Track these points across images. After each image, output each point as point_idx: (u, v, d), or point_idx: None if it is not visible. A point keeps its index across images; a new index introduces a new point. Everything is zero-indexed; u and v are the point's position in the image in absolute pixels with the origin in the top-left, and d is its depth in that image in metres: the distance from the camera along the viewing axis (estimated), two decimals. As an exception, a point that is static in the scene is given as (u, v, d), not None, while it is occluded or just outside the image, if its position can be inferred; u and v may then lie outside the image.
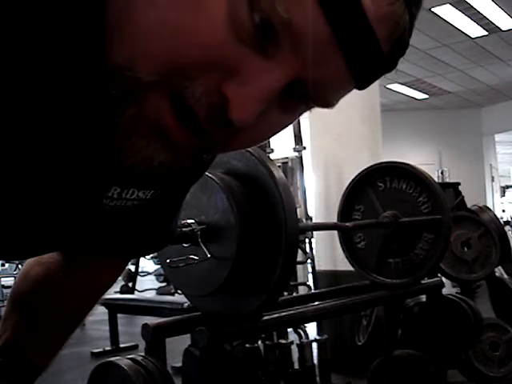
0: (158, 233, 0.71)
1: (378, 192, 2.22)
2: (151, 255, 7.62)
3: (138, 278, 6.89)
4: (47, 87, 0.40)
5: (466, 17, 6.54)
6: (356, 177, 2.28)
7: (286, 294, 2.75)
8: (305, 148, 3.59)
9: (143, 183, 0.54)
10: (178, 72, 0.37)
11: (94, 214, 0.54)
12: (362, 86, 0.43)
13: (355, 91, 0.46)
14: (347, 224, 2.16)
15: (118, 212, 0.55)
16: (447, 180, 6.13)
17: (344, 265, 2.60)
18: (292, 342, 2.87)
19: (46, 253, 0.68)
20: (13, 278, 8.39)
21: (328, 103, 0.43)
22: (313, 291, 3.21)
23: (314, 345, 2.98)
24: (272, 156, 3.15)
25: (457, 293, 2.88)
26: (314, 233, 3.51)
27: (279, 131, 0.45)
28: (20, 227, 0.51)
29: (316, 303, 1.98)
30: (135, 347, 4.34)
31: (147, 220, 0.63)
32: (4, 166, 0.44)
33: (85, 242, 0.63)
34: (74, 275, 0.74)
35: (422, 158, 9.57)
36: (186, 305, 3.34)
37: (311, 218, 3.74)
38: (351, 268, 2.30)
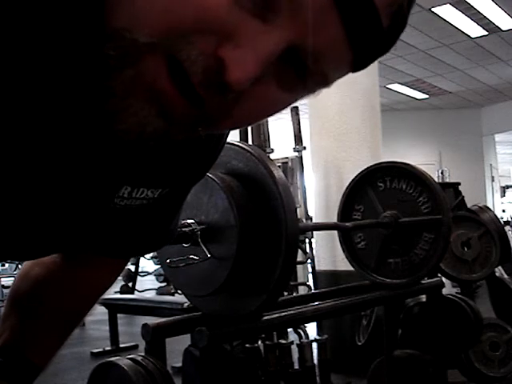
0: (160, 231, 0.71)
1: (378, 192, 2.22)
2: (151, 255, 7.61)
3: (138, 278, 6.89)
4: (45, 50, 0.39)
5: (466, 17, 6.54)
6: (356, 177, 2.28)
7: (286, 293, 2.75)
8: (305, 148, 3.59)
9: (152, 182, 0.55)
10: (175, 34, 0.37)
11: (104, 213, 0.54)
12: (360, 63, 0.42)
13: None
14: (347, 224, 2.16)
15: (126, 211, 0.55)
16: (447, 180, 6.11)
17: (344, 265, 2.60)
18: (292, 342, 2.87)
19: (55, 252, 0.68)
20: (13, 278, 8.39)
21: (325, 78, 0.42)
22: (313, 291, 3.21)
23: (314, 345, 2.98)
24: (272, 156, 3.15)
25: (457, 293, 2.88)
26: (314, 233, 3.51)
27: (277, 110, 0.44)
28: (31, 227, 0.51)
29: (316, 303, 1.98)
30: (135, 347, 4.34)
31: (151, 218, 0.63)
32: (11, 164, 0.43)
33: (90, 242, 0.63)
34: (73, 275, 0.74)
35: (422, 157, 9.56)
36: (185, 305, 3.35)
37: (311, 218, 3.74)
38: (351, 268, 2.29)
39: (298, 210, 3.05)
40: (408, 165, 2.17)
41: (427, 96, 10.02)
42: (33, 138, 0.43)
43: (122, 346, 4.46)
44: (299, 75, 0.41)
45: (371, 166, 2.25)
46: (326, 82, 0.43)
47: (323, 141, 3.73)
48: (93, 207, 0.53)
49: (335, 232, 2.45)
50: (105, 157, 0.47)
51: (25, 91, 0.40)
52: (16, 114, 0.41)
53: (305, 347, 2.87)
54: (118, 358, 1.44)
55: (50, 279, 0.73)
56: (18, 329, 0.71)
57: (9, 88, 0.39)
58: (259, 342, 2.75)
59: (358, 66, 0.43)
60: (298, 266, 3.55)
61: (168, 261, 1.55)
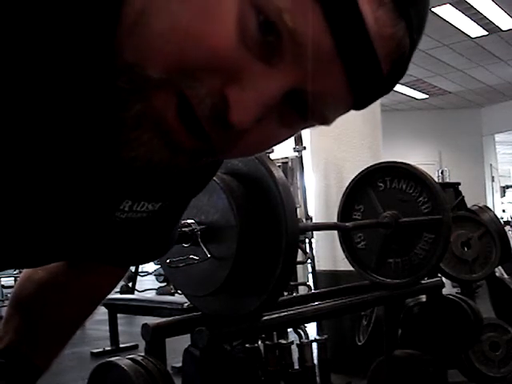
0: (160, 241, 0.72)
1: (378, 192, 2.21)
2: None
3: (138, 278, 6.89)
4: (56, 82, 0.41)
5: (466, 17, 6.54)
6: (356, 177, 2.28)
7: (286, 293, 2.75)
8: (305, 148, 3.59)
9: (153, 196, 0.56)
10: (185, 72, 0.39)
11: (105, 225, 0.55)
12: (360, 105, 0.44)
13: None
14: (347, 224, 2.15)
15: (127, 223, 0.56)
16: (447, 180, 6.12)
17: (344, 265, 2.60)
18: (292, 342, 2.87)
19: (57, 261, 0.69)
20: (13, 278, 8.38)
21: (325, 119, 0.44)
22: (313, 291, 3.20)
23: (314, 345, 2.98)
24: (272, 156, 3.14)
25: (457, 293, 2.88)
26: (314, 233, 3.51)
27: (277, 143, 0.46)
28: (34, 237, 0.52)
29: (316, 303, 1.98)
30: (135, 347, 4.34)
31: (152, 229, 0.64)
32: (15, 175, 0.44)
33: (92, 251, 0.64)
34: (76, 280, 0.75)
35: (422, 157, 9.56)
36: (185, 305, 3.34)
37: (311, 218, 3.73)
38: (351, 268, 2.29)
39: (298, 209, 3.05)
40: (408, 165, 2.17)
41: (427, 96, 10.02)
42: (41, 154, 0.44)
43: (122, 346, 4.45)
44: (300, 115, 0.43)
45: (371, 166, 2.25)
46: (325, 121, 0.45)
47: (323, 141, 3.73)
48: (94, 220, 0.54)
49: (335, 232, 2.45)
50: (108, 173, 0.49)
51: (40, 116, 0.42)
52: (29, 135, 0.42)
53: (305, 347, 2.87)
54: (118, 357, 1.44)
55: (52, 283, 0.74)
56: (21, 331, 0.72)
57: (25, 113, 0.41)
58: (259, 342, 2.75)
59: (357, 107, 0.45)
60: (298, 266, 3.55)
61: (168, 261, 1.55)
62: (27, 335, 0.72)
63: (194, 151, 0.43)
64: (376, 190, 2.22)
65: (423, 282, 2.27)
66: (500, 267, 3.49)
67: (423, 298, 2.46)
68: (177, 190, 0.60)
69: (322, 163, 3.74)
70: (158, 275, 7.55)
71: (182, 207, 0.69)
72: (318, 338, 3.01)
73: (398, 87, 9.22)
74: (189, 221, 1.49)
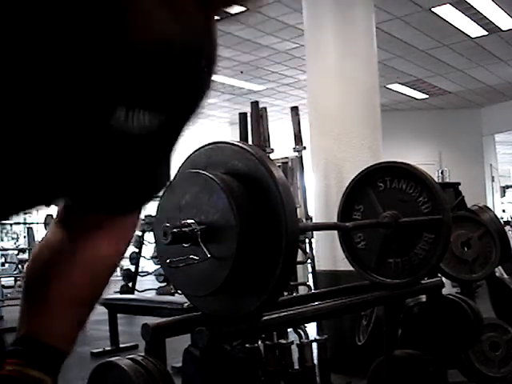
0: (162, 166, 0.70)
1: (378, 192, 2.21)
2: (151, 255, 7.61)
3: (138, 277, 6.90)
4: None
5: (466, 17, 6.54)
6: (356, 177, 2.27)
7: (286, 293, 2.75)
8: (305, 148, 3.59)
9: (149, 102, 0.54)
10: None
11: (100, 136, 0.53)
12: None
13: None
14: (347, 224, 2.15)
15: (124, 140, 0.55)
16: (447, 180, 6.12)
17: (344, 265, 2.60)
18: (292, 342, 2.88)
19: (52, 198, 0.65)
20: (13, 278, 8.39)
21: None
22: (313, 291, 3.20)
23: (314, 345, 2.98)
24: (272, 156, 3.15)
25: (457, 293, 2.88)
26: (314, 233, 3.51)
27: None
28: (27, 161, 0.50)
29: (316, 303, 1.98)
30: (135, 347, 4.34)
31: (153, 151, 0.62)
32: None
33: (94, 186, 0.61)
34: (82, 250, 0.72)
35: (422, 157, 9.56)
36: (185, 305, 3.35)
37: (311, 218, 3.74)
38: (351, 268, 2.29)
39: (297, 209, 3.05)
40: (408, 165, 2.17)
41: (427, 96, 10.02)
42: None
43: (122, 346, 4.46)
44: None
45: (371, 166, 2.25)
46: None
47: (323, 141, 3.73)
48: (88, 127, 0.51)
49: (335, 232, 2.45)
50: (101, 71, 0.47)
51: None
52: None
53: (305, 347, 2.87)
54: (118, 357, 1.44)
55: (59, 259, 0.71)
56: (35, 317, 0.70)
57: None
58: (259, 342, 2.75)
59: None
60: (298, 266, 3.55)
61: (168, 261, 1.55)
62: (42, 320, 0.70)
63: (200, 17, 0.45)
64: (376, 190, 2.22)
65: (423, 282, 2.27)
66: (500, 267, 3.50)
67: (423, 298, 2.46)
68: (175, 98, 0.58)
69: (322, 163, 3.74)
70: (158, 275, 7.55)
71: (180, 124, 0.66)
72: (318, 337, 3.02)
73: (398, 87, 9.22)
74: (189, 221, 1.49)
